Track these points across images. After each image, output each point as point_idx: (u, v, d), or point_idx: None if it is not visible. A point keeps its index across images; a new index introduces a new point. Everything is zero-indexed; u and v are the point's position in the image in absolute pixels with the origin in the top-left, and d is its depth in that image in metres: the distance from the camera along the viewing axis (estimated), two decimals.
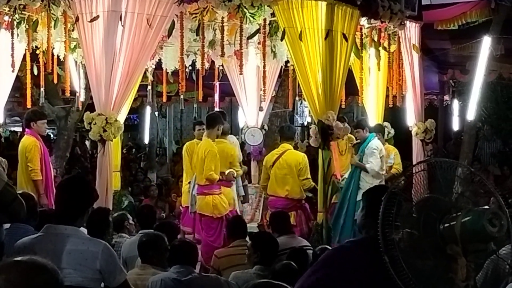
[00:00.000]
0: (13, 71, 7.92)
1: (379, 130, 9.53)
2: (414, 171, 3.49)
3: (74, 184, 4.07)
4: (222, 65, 9.85)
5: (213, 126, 8.35)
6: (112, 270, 3.89)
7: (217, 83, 10.89)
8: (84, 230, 4.19)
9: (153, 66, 10.01)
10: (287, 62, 9.74)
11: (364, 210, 3.63)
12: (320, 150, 7.56)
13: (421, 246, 3.27)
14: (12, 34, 7.66)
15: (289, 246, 6.25)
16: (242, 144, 11.19)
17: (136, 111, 18.32)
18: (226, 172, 8.35)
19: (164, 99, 11.44)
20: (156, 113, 16.36)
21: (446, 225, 3.30)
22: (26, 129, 8.78)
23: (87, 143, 19.02)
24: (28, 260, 2.13)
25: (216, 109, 11.46)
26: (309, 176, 8.43)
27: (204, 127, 8.93)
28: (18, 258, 2.14)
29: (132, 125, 21.52)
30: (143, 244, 5.43)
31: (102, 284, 4.00)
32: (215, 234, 8.17)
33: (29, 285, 2.06)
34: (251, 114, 10.60)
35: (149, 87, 11.08)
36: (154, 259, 5.30)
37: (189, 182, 8.82)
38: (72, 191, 3.93)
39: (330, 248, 5.53)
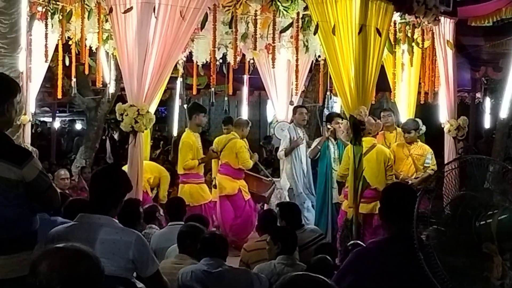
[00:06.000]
0: (46, 61, 7.99)
1: (415, 126, 9.38)
2: (449, 168, 3.45)
3: (110, 173, 4.08)
4: (253, 59, 9.84)
5: None
6: (145, 260, 3.90)
7: (246, 77, 10.87)
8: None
9: (184, 59, 10.04)
10: (318, 56, 9.70)
11: (383, 210, 3.60)
12: (351, 146, 7.51)
13: (455, 244, 3.24)
14: (46, 25, 7.72)
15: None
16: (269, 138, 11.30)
17: (164, 103, 18.36)
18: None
19: (194, 92, 11.46)
20: (185, 106, 16.36)
21: (482, 222, 3.26)
22: None
23: (115, 135, 19.12)
24: (71, 247, 2.14)
25: (245, 102, 11.46)
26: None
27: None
28: (61, 245, 2.16)
29: (160, 118, 21.54)
30: (182, 234, 5.43)
31: (135, 274, 4.01)
32: None
33: (72, 271, 2.07)
34: (280, 108, 10.58)
35: (180, 80, 11.09)
36: (190, 250, 5.29)
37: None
38: (107, 180, 3.94)
39: (361, 244, 5.51)
